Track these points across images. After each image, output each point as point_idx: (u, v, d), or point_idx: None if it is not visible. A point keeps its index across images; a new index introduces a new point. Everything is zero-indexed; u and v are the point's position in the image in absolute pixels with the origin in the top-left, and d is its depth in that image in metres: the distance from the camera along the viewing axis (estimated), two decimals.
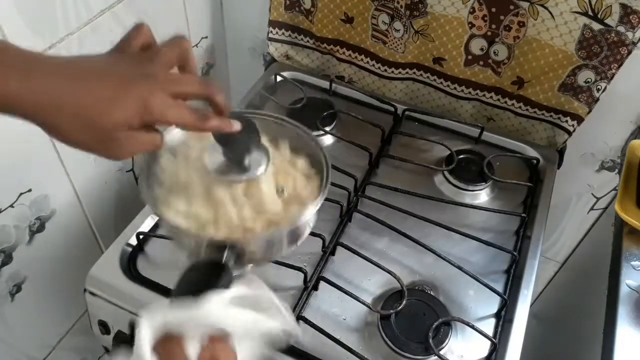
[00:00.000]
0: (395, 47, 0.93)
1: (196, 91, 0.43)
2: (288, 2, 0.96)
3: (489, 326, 0.67)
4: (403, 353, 0.62)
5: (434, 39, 0.88)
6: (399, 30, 0.90)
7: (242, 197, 0.52)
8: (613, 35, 0.75)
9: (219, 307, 0.42)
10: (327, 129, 0.89)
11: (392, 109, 0.94)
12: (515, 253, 0.73)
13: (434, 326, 0.63)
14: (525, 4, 0.78)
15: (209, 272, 0.46)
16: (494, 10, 0.81)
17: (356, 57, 0.98)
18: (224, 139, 0.48)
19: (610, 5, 0.73)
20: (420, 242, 0.71)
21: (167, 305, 0.41)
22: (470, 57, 0.88)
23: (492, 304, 0.69)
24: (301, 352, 0.62)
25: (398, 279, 0.66)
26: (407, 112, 0.93)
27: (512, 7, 0.80)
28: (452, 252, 0.73)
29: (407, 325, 0.64)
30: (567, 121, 0.87)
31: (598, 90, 0.81)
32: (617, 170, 0.94)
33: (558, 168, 0.89)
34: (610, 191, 0.98)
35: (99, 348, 0.71)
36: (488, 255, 0.74)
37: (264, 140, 0.54)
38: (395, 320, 0.64)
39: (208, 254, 0.49)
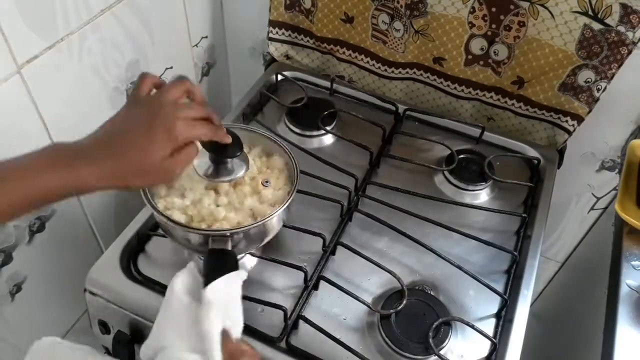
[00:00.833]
0: (395, 47, 0.93)
1: (202, 115, 0.53)
2: (288, 2, 0.96)
3: (489, 326, 0.67)
4: (403, 353, 0.62)
5: (434, 38, 0.88)
6: (399, 30, 0.90)
7: (230, 194, 0.63)
8: (613, 35, 0.75)
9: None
10: (328, 128, 0.89)
11: (393, 108, 0.94)
12: (515, 253, 0.73)
13: (434, 326, 0.63)
14: (526, 4, 0.78)
15: (222, 259, 0.56)
16: (494, 10, 0.81)
17: (356, 57, 0.98)
18: (213, 147, 0.57)
19: (611, 5, 0.73)
20: (421, 242, 0.71)
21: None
22: (470, 56, 0.88)
23: (492, 303, 0.69)
24: (301, 352, 0.62)
25: (398, 279, 0.66)
26: (407, 112, 0.93)
27: (512, 6, 0.79)
28: (452, 252, 0.73)
29: (407, 325, 0.64)
30: (567, 121, 0.87)
31: (598, 90, 0.81)
32: (617, 170, 0.94)
33: (558, 168, 0.89)
34: (611, 191, 0.98)
35: (99, 348, 0.71)
36: (488, 255, 0.74)
37: (245, 147, 0.63)
38: (396, 320, 0.64)
39: (211, 245, 0.57)
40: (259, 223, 0.59)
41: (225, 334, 0.49)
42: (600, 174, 0.96)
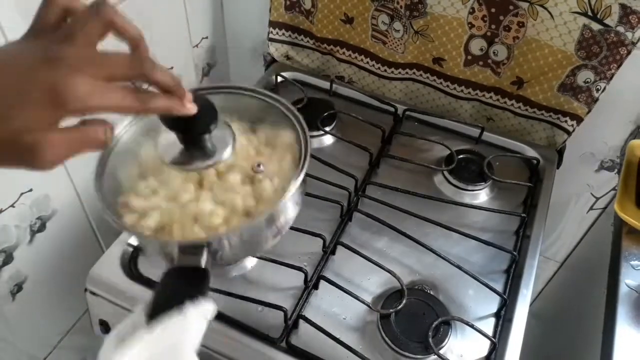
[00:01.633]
0: (395, 47, 0.93)
1: (126, 71, 0.34)
2: (288, 3, 0.96)
3: (488, 325, 0.67)
4: (403, 352, 0.62)
5: (434, 39, 0.89)
6: (398, 30, 0.90)
7: (207, 186, 0.46)
8: (612, 35, 0.75)
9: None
10: (328, 129, 0.89)
11: (392, 109, 0.94)
12: (514, 253, 0.73)
13: (433, 325, 0.63)
14: (525, 5, 0.79)
15: (186, 281, 0.40)
16: (493, 10, 0.81)
17: (356, 58, 0.98)
18: (175, 123, 0.41)
19: (610, 6, 0.73)
20: (420, 242, 0.72)
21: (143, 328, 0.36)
22: (469, 57, 0.88)
23: (492, 303, 0.69)
24: (301, 351, 0.62)
25: (398, 279, 0.67)
26: (407, 112, 0.94)
27: (511, 7, 0.80)
28: (451, 251, 0.73)
29: (407, 325, 0.64)
30: (566, 121, 0.87)
31: (597, 90, 0.81)
32: (616, 170, 0.95)
33: (557, 168, 0.90)
34: (610, 191, 0.98)
35: (100, 347, 0.72)
36: (488, 255, 0.74)
37: (228, 119, 0.47)
38: (395, 320, 0.65)
39: (182, 259, 0.42)
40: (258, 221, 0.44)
41: None
42: (599, 174, 0.96)
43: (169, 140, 0.44)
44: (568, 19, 0.77)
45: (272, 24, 0.99)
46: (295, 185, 0.44)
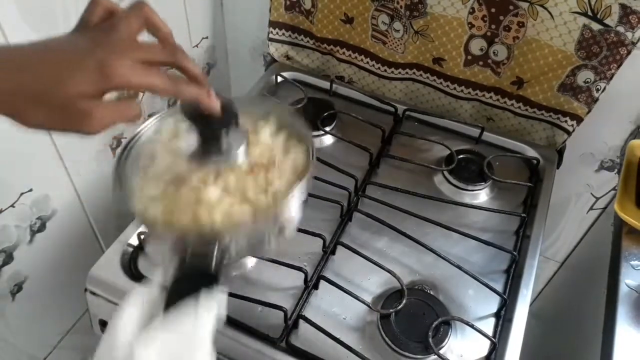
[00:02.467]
0: (395, 47, 0.93)
1: (162, 57, 0.40)
2: (288, 3, 0.96)
3: (488, 325, 0.67)
4: (403, 352, 0.62)
5: (434, 39, 0.89)
6: (398, 30, 0.90)
7: (221, 183, 0.47)
8: (612, 35, 0.75)
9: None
10: (328, 129, 0.89)
11: (392, 109, 0.94)
12: (514, 253, 0.73)
13: (433, 325, 0.63)
14: (525, 5, 0.79)
15: (200, 272, 0.42)
16: (493, 10, 0.81)
17: (356, 58, 0.98)
18: (197, 117, 0.44)
19: (610, 6, 0.73)
20: (420, 242, 0.72)
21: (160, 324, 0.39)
22: (469, 57, 0.88)
23: (492, 303, 0.69)
24: (301, 351, 0.62)
25: (398, 279, 0.67)
26: (407, 112, 0.94)
27: (511, 7, 0.80)
28: (451, 251, 0.73)
29: (407, 325, 0.64)
30: (566, 121, 0.87)
31: (597, 90, 0.81)
32: (616, 170, 0.95)
33: (557, 168, 0.90)
34: (610, 191, 0.98)
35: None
36: (488, 255, 0.74)
37: (244, 121, 0.49)
38: (395, 320, 0.65)
39: (195, 248, 0.44)
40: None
41: None
42: (599, 174, 0.96)
43: (188, 143, 0.47)
44: (568, 19, 0.77)
45: (272, 24, 0.99)
46: (303, 185, 0.47)
